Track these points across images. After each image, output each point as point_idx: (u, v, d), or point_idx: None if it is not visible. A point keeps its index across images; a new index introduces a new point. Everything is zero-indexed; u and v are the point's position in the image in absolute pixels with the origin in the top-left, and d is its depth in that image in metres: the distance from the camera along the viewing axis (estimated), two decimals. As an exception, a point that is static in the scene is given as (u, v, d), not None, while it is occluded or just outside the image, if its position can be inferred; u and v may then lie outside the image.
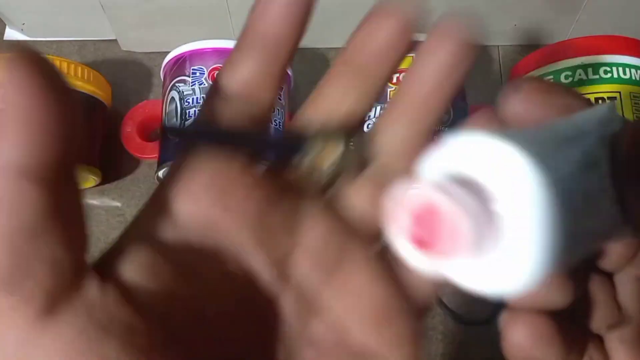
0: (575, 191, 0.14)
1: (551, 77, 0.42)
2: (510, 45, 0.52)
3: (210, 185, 0.19)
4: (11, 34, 0.52)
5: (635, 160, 0.17)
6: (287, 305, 0.20)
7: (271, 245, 0.20)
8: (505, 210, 0.13)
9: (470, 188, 0.13)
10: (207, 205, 0.19)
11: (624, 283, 0.19)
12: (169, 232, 0.18)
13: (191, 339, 0.17)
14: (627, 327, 0.19)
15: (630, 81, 0.40)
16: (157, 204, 0.19)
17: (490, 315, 0.42)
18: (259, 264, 0.19)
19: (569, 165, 0.14)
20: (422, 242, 0.14)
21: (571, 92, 0.19)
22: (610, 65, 0.41)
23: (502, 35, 0.51)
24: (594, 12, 0.48)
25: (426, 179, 0.14)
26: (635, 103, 0.40)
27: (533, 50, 0.44)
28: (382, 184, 0.21)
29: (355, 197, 0.21)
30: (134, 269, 0.17)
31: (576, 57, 0.41)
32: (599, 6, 0.47)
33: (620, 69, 0.40)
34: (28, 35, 0.52)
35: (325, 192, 0.22)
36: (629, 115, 0.40)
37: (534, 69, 0.43)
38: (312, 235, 0.20)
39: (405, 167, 0.19)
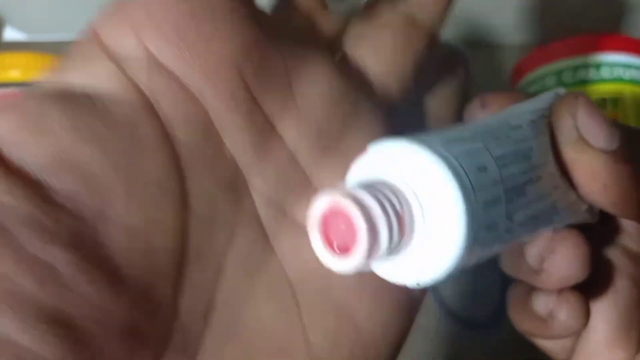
0: (490, 188, 0.15)
1: (553, 76, 0.41)
2: (513, 45, 0.52)
3: (165, 10, 0.15)
4: (11, 33, 0.52)
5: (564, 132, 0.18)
6: (260, 190, 0.16)
7: (251, 105, 0.16)
8: (418, 210, 0.14)
9: (384, 191, 0.14)
10: (153, 39, 0.15)
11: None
12: (84, 78, 0.15)
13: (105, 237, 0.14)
14: (612, 296, 0.21)
15: (632, 81, 0.40)
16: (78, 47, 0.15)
17: (491, 318, 0.42)
18: (231, 130, 0.16)
19: (493, 161, 0.15)
20: (332, 245, 0.15)
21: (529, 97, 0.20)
22: (612, 65, 0.40)
23: (504, 34, 0.51)
24: (595, 10, 0.47)
25: (338, 186, 0.15)
26: (637, 103, 0.39)
27: (535, 49, 0.44)
28: (406, 35, 0.19)
29: (368, 52, 0.19)
30: (12, 129, 0.14)
31: (577, 56, 0.41)
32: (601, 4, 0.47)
33: (621, 68, 0.40)
34: (27, 35, 0.53)
35: (341, 37, 0.19)
36: (633, 116, 0.39)
37: (535, 68, 0.43)
38: (311, 97, 0.17)
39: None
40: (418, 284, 0.15)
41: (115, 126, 0.14)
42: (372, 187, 0.14)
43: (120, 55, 0.15)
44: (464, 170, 0.14)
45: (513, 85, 0.45)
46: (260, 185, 0.16)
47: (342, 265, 0.14)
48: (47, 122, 0.14)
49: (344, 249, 0.14)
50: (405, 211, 0.14)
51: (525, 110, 0.18)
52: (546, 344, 0.22)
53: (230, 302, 0.16)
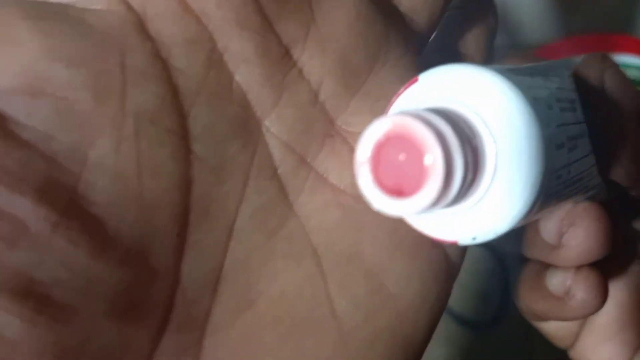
0: (558, 129, 0.13)
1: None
2: (513, 45, 0.52)
3: None
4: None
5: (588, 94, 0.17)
6: (276, 134, 0.14)
7: (265, 29, 0.13)
8: (491, 145, 0.12)
9: (455, 119, 0.11)
10: None
11: None
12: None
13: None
14: (624, 278, 0.20)
15: (632, 81, 0.40)
16: None
17: (492, 318, 0.42)
18: (241, 59, 0.13)
19: (555, 102, 0.13)
20: (388, 180, 0.11)
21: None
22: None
23: (504, 34, 0.51)
24: (596, 10, 0.47)
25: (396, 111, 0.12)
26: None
27: (534, 49, 0.44)
28: None
29: None
30: None
31: (576, 56, 0.41)
32: (602, 4, 0.47)
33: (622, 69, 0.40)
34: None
35: None
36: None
37: (535, 69, 0.43)
38: (336, 24, 0.14)
39: None
40: (474, 239, 0.13)
41: (98, 46, 0.12)
42: (442, 112, 0.11)
43: None
44: (538, 103, 0.12)
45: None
46: (276, 128, 0.14)
47: (402, 209, 0.11)
48: (13, 38, 0.11)
49: (400, 189, 0.11)
50: (478, 145, 0.12)
51: (557, 65, 0.17)
52: (552, 329, 0.21)
53: (244, 267, 0.14)
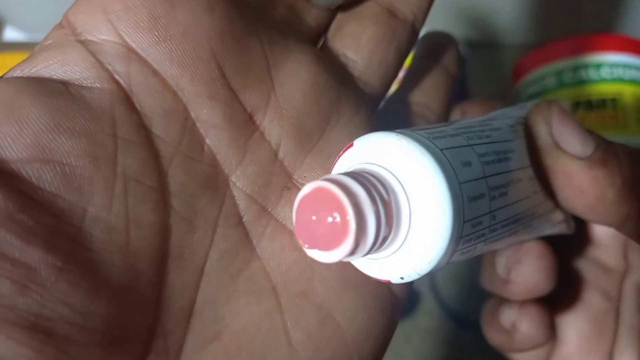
0: (474, 183, 0.15)
1: (553, 76, 0.41)
2: (513, 45, 0.52)
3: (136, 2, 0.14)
4: (11, 33, 0.52)
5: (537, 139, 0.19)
6: (242, 188, 0.16)
7: (231, 99, 0.16)
8: (404, 201, 0.14)
9: (371, 180, 0.14)
10: (128, 27, 0.15)
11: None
12: (59, 68, 0.14)
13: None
14: (583, 308, 0.22)
15: (632, 81, 0.40)
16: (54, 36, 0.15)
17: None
18: (211, 126, 0.15)
19: (477, 158, 0.15)
20: (307, 236, 0.14)
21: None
22: (612, 65, 0.40)
23: (504, 34, 0.51)
24: (595, 10, 0.47)
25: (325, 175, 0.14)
26: (637, 103, 0.39)
27: (534, 49, 0.44)
28: (387, 26, 0.19)
29: (349, 44, 0.19)
30: None
31: (577, 56, 0.41)
32: (600, 4, 0.47)
33: (621, 68, 0.40)
34: (27, 35, 0.53)
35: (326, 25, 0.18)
36: (633, 116, 0.39)
37: (535, 68, 0.43)
38: (293, 91, 0.17)
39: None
40: (402, 279, 0.15)
41: (94, 119, 0.14)
42: (358, 175, 0.14)
43: (95, 44, 0.14)
44: (450, 163, 0.14)
45: (513, 85, 0.45)
46: (241, 182, 0.16)
47: (326, 258, 0.13)
48: (25, 115, 0.13)
49: (318, 243, 0.13)
50: (392, 201, 0.14)
51: (505, 115, 0.19)
52: (521, 357, 0.23)
53: (212, 303, 0.15)
